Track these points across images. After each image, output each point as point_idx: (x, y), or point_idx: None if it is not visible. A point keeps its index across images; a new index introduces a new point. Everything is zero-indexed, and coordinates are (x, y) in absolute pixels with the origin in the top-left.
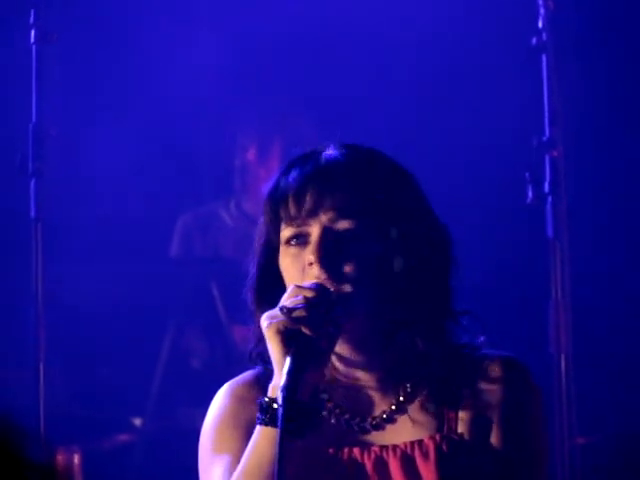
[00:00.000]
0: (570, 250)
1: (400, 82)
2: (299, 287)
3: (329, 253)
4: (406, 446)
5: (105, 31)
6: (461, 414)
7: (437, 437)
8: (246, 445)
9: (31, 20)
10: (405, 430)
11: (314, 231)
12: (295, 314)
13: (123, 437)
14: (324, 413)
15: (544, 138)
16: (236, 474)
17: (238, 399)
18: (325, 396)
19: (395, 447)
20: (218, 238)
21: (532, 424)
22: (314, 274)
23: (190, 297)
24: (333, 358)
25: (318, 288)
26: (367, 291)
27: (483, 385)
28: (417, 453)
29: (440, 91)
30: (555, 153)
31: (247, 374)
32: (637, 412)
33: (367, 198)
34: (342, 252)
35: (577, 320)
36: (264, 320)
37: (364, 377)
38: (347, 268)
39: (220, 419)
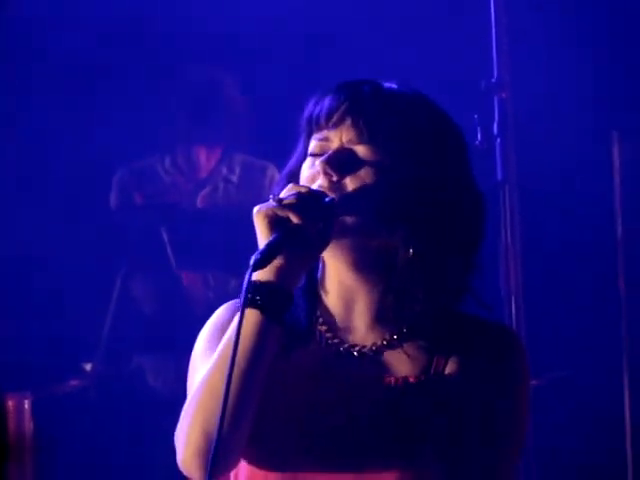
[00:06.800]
0: (519, 192)
1: (346, 26)
2: (296, 185)
3: (337, 166)
4: (390, 381)
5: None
6: (451, 363)
7: (422, 377)
8: None
9: None
10: (393, 366)
11: (333, 146)
12: (285, 202)
13: (74, 382)
14: (315, 329)
15: (492, 80)
16: (217, 354)
17: (235, 311)
18: (319, 317)
19: (380, 380)
20: (154, 192)
21: (517, 394)
22: (319, 182)
23: (140, 242)
24: (329, 282)
25: (314, 190)
26: (364, 208)
27: (477, 344)
28: (401, 389)
29: (386, 32)
30: (504, 95)
31: None
32: (587, 352)
33: (397, 130)
34: (350, 168)
35: (527, 262)
36: (255, 208)
37: (360, 306)
38: (350, 183)
39: (214, 326)
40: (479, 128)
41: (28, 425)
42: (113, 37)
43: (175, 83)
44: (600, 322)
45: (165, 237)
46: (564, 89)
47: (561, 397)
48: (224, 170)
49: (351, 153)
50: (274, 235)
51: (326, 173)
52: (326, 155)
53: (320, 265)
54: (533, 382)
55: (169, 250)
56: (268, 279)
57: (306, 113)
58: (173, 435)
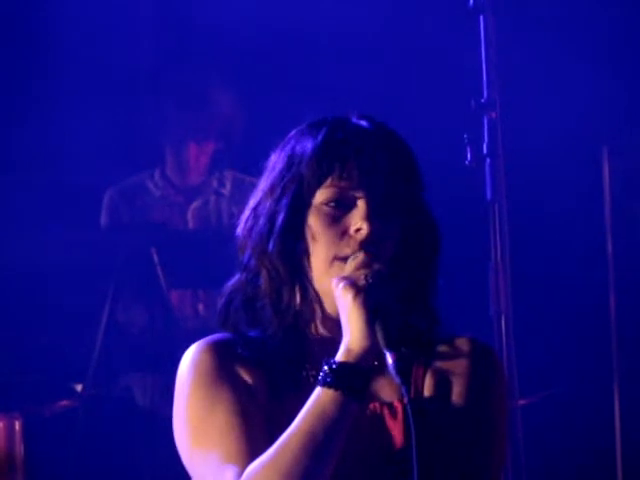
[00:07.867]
0: (509, 211)
1: (335, 42)
2: (368, 262)
3: (382, 216)
4: (376, 407)
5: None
6: (428, 381)
7: (405, 400)
8: (243, 402)
9: None
10: (376, 393)
11: (363, 198)
12: (372, 283)
13: (64, 403)
14: (303, 373)
15: (482, 99)
16: (291, 436)
17: (220, 355)
18: (306, 357)
19: (366, 407)
20: (145, 208)
21: (495, 398)
22: (358, 239)
23: (130, 263)
24: (319, 320)
25: (382, 266)
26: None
27: (451, 358)
28: (386, 413)
29: (378, 52)
30: (493, 114)
31: (218, 335)
32: (577, 371)
33: (412, 171)
34: (384, 229)
35: (516, 281)
36: (350, 289)
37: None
38: (385, 245)
39: (208, 370)
40: (469, 148)
41: (18, 446)
42: (113, 37)
43: (171, 86)
44: (590, 340)
45: (155, 257)
46: (553, 108)
47: (551, 415)
48: (215, 183)
49: (391, 201)
50: (379, 322)
51: (372, 236)
52: (368, 214)
53: (305, 305)
54: (522, 401)
55: (159, 270)
56: (347, 360)
57: (311, 161)
58: (162, 454)
